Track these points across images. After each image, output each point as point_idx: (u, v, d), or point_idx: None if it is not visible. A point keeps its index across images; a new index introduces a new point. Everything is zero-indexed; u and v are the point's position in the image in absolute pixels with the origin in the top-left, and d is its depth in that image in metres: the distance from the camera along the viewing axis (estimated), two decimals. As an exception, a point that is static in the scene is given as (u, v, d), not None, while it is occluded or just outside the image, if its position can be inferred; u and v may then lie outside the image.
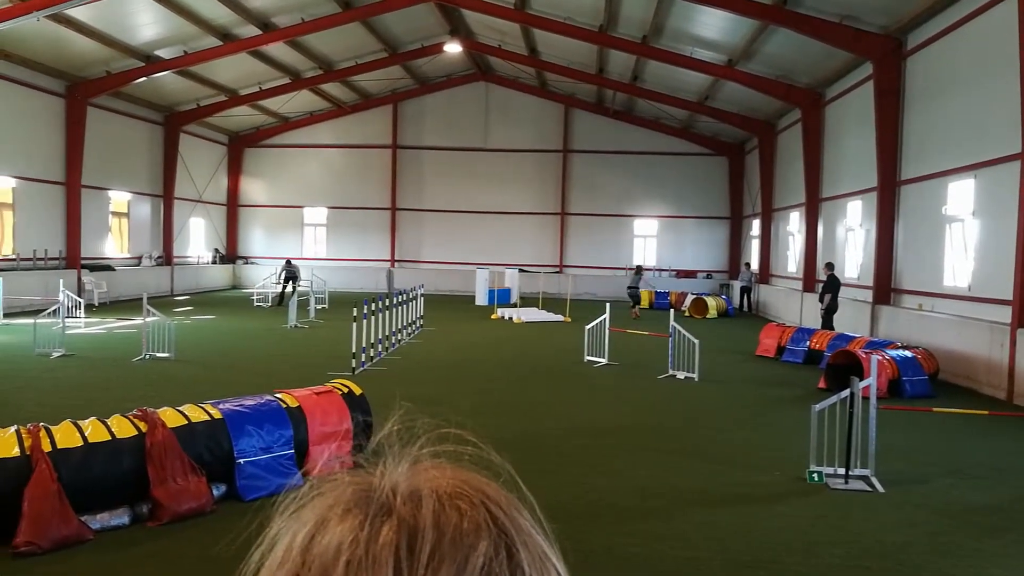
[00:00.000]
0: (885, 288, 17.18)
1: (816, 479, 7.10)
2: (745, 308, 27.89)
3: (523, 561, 0.57)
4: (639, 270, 25.53)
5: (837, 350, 12.59)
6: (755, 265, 28.87)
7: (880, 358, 10.74)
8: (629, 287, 24.86)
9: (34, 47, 20.67)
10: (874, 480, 7.02)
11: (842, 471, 7.10)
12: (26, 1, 17.59)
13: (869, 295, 17.62)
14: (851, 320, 17.79)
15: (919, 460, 8.14)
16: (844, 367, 11.23)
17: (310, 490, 0.62)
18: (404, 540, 0.54)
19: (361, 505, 0.58)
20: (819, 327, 16.86)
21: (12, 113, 21.45)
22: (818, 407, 7.15)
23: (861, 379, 7.31)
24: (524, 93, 33.25)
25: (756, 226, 29.64)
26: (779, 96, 22.77)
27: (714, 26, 20.21)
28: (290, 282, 25.02)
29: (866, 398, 7.17)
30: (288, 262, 26.05)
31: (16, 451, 5.28)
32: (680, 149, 32.94)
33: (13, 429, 5.50)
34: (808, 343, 15.12)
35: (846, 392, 7.06)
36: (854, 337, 14.51)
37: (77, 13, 19.24)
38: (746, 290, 28.05)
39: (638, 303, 24.66)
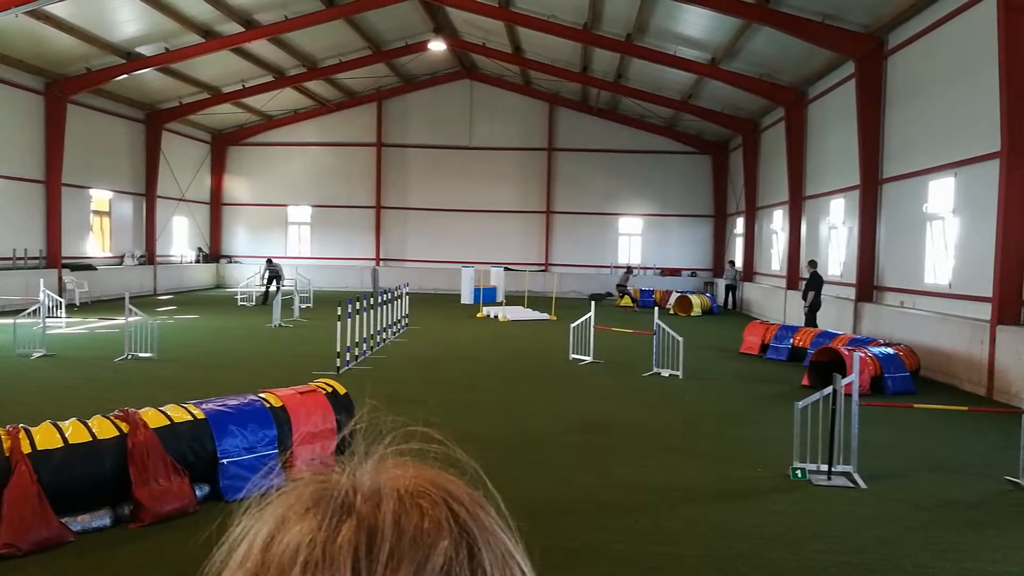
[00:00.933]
0: (868, 286, 17.32)
1: (799, 475, 7.15)
2: (730, 306, 28.03)
3: (485, 560, 0.56)
4: (629, 270, 25.88)
5: (820, 347, 12.67)
6: (739, 263, 29.02)
7: (863, 355, 10.81)
8: (618, 284, 25.44)
9: (12, 43, 20.42)
10: (856, 476, 7.08)
11: (825, 467, 7.15)
12: (4, -3, 17.38)
13: (852, 292, 17.76)
14: (834, 317, 17.93)
15: (901, 456, 8.21)
16: (827, 364, 11.31)
17: (275, 489, 0.62)
18: (363, 539, 0.54)
19: (321, 504, 0.57)
20: (803, 324, 16.97)
21: (-9, 111, 21.19)
22: (801, 404, 7.19)
23: (844, 376, 7.36)
24: (509, 91, 33.24)
25: (740, 224, 29.80)
26: (762, 94, 22.89)
27: (698, 24, 20.29)
28: (274, 281, 24.91)
29: (849, 395, 7.23)
30: (269, 261, 25.94)
31: (-5, 453, 5.22)
32: (664, 147, 33.05)
33: (-8, 430, 5.44)
34: (792, 340, 15.22)
35: (829, 389, 7.11)
36: (837, 334, 14.62)
37: (56, 9, 19.02)
38: (731, 288, 28.20)
39: (626, 296, 25.37)
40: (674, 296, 26.68)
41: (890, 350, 12.33)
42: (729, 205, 32.13)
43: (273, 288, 24.04)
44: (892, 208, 16.63)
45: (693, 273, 33.18)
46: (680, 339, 12.47)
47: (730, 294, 28.24)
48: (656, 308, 14.92)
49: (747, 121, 27.41)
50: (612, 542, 5.59)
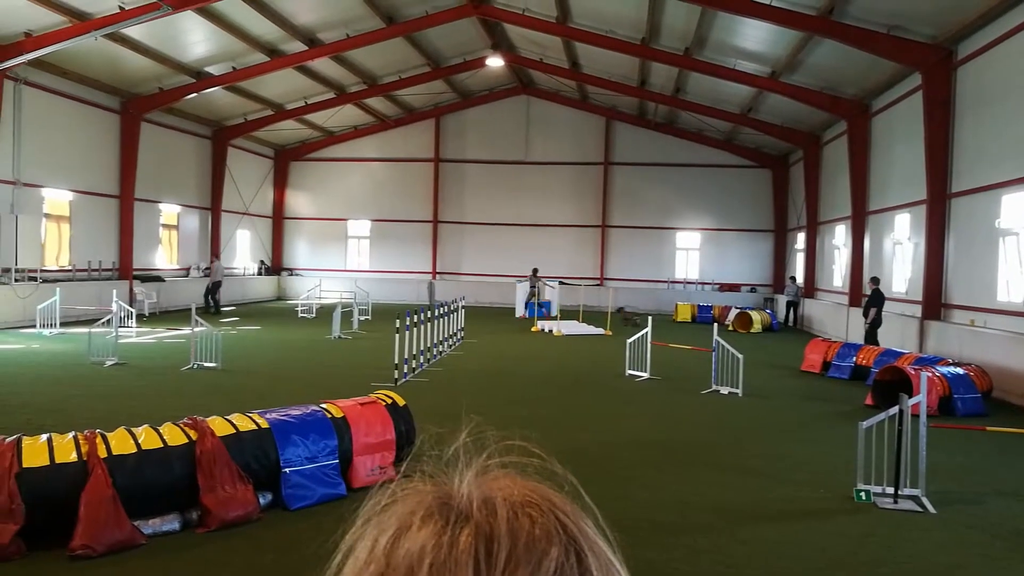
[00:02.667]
0: (935, 303, 16.79)
1: (864, 498, 6.96)
2: (790, 323, 27.48)
3: (591, 566, 0.60)
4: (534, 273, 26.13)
5: (885, 366, 12.33)
6: (800, 279, 28.45)
7: (930, 375, 10.50)
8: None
9: (92, 65, 21.39)
10: (924, 500, 6.86)
11: (891, 490, 6.95)
12: (84, 21, 18.24)
13: (917, 310, 17.24)
14: (898, 335, 17.42)
15: (972, 480, 7.93)
16: (892, 384, 11.00)
17: (389, 496, 0.66)
18: (482, 545, 0.58)
19: (441, 511, 0.61)
20: (863, 342, 16.54)
21: (70, 129, 22.19)
22: (866, 424, 7.02)
23: (910, 396, 7.16)
24: (565, 106, 33.34)
25: (801, 239, 29.23)
26: (824, 108, 22.48)
27: (757, 38, 20.06)
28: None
29: (916, 415, 7.02)
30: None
31: (73, 456, 5.45)
32: (723, 161, 32.68)
33: (71, 435, 5.68)
34: (855, 359, 14.83)
35: (895, 409, 6.92)
36: (902, 353, 14.20)
37: (132, 32, 19.87)
38: (792, 304, 27.64)
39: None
40: (733, 312, 26.30)
41: (960, 370, 11.93)
42: (789, 220, 31.55)
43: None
44: (961, 223, 16.11)
45: (752, 289, 32.64)
46: (740, 356, 12.28)
47: (791, 311, 27.68)
48: (715, 324, 14.73)
49: (808, 134, 26.94)
50: (671, 560, 5.53)
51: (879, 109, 21.10)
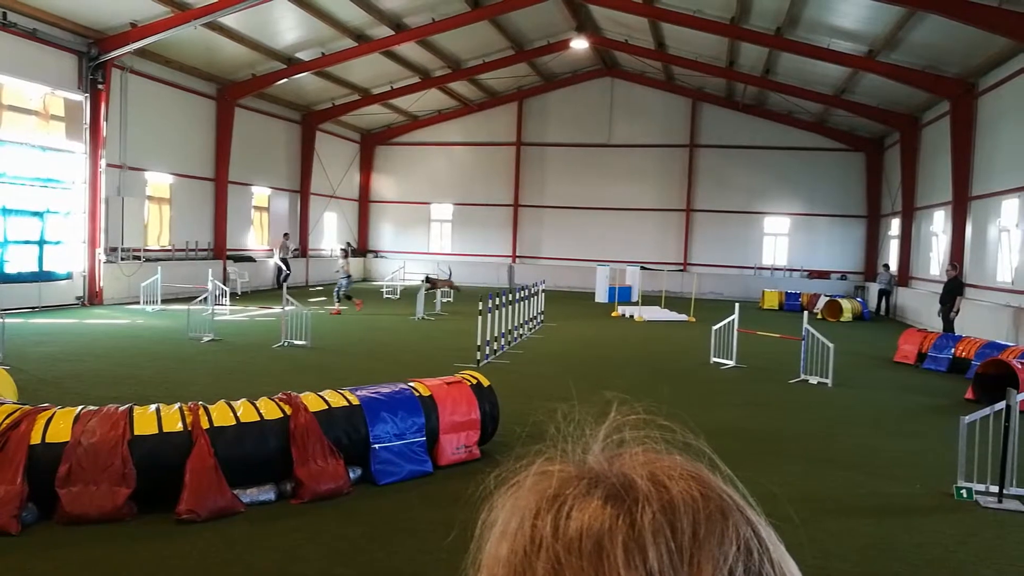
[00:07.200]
0: (1044, 294, 15.85)
1: (964, 496, 6.66)
2: (882, 312, 26.43)
3: (765, 538, 0.59)
4: (347, 248, 24.39)
5: (988, 359, 11.73)
6: (893, 267, 27.30)
7: (1038, 369, 9.95)
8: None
9: (190, 53, 22.26)
10: (1031, 500, 6.53)
11: (995, 489, 6.63)
12: (185, 11, 18.99)
13: (1022, 301, 16.32)
14: (995, 327, 16.53)
15: (1083, 481, 7.48)
16: (995, 378, 10.47)
17: (526, 473, 0.65)
18: (665, 519, 0.57)
19: (607, 488, 0.60)
20: (961, 334, 15.79)
21: (171, 115, 23.21)
22: (968, 419, 6.71)
23: (1018, 391, 6.80)
24: (650, 87, 32.78)
25: (895, 225, 28.01)
26: (925, 87, 21.39)
27: (854, 15, 19.22)
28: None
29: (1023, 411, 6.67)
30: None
31: (179, 426, 5.75)
32: (814, 144, 31.57)
33: (176, 406, 5.99)
34: (953, 350, 14.16)
35: (1001, 404, 6.58)
36: (1006, 346, 13.46)
37: (228, 20, 20.57)
38: (884, 293, 26.55)
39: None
40: (823, 300, 25.47)
41: (1071, 365, 11.24)
42: (884, 205, 30.25)
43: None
44: (1076, 210, 15.12)
45: (843, 276, 31.52)
46: (830, 345, 11.90)
47: (883, 299, 26.61)
48: (804, 312, 14.30)
49: (906, 116, 25.70)
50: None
51: (986, 88, 19.93)
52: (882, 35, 19.31)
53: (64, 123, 19.30)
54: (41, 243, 18.84)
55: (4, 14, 16.96)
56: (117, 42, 19.36)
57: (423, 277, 23.38)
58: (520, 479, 0.65)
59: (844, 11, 19.26)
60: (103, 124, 19.71)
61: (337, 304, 20.74)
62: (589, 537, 0.56)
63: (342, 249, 21.28)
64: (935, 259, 24.00)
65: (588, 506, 0.58)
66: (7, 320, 12.37)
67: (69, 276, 19.55)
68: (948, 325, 16.65)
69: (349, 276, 21.58)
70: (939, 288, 22.39)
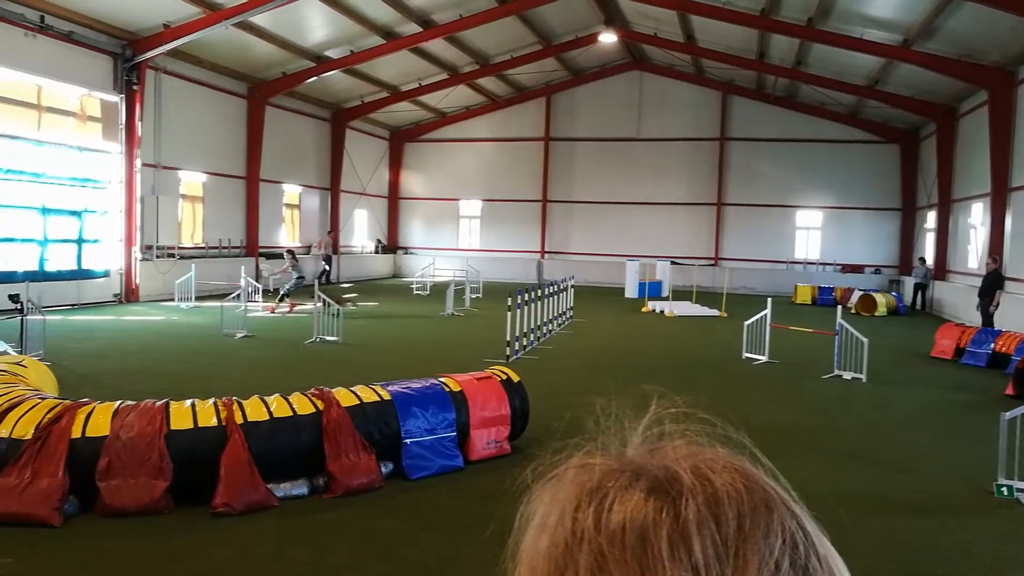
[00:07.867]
0: (1087, 287, 15.47)
1: (1005, 493, 6.53)
2: (918, 306, 25.97)
3: (810, 532, 0.58)
4: (291, 253, 20.66)
5: (1028, 354, 11.49)
6: (930, 260, 26.80)
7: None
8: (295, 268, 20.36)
9: (222, 52, 22.54)
10: (1075, 498, 6.38)
11: (1036, 486, 6.49)
12: (216, 11, 19.22)
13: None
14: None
15: None
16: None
17: (565, 466, 0.64)
18: (710, 512, 0.56)
19: (649, 481, 0.59)
20: (1000, 328, 15.47)
21: (203, 114, 23.52)
22: (1008, 415, 6.57)
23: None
24: (679, 81, 32.51)
25: (931, 218, 27.49)
26: (962, 77, 20.94)
27: (888, 4, 18.87)
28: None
29: (1067, 407, 6.52)
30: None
31: (214, 421, 5.84)
32: (847, 136, 31.07)
33: (211, 401, 6.07)
34: (993, 345, 13.87)
35: (1043, 400, 6.44)
36: (1049, 340, 13.17)
37: (258, 19, 20.79)
38: (920, 287, 26.08)
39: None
40: (856, 294, 25.09)
41: (1115, 360, 10.97)
42: (919, 198, 29.70)
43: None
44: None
45: (877, 270, 31.01)
46: (864, 340, 11.72)
47: (919, 294, 26.13)
48: (838, 307, 14.10)
49: (942, 106, 25.18)
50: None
51: (1026, 77, 19.48)
52: (917, 23, 18.94)
53: (100, 124, 19.66)
54: (80, 242, 19.23)
55: (42, 17, 17.31)
56: (151, 43, 19.66)
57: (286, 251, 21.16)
58: (559, 472, 0.64)
59: (877, 0, 18.92)
60: (138, 124, 20.04)
61: (276, 302, 19.44)
62: (632, 530, 0.55)
63: (288, 251, 20.40)
64: (973, 252, 23.51)
65: (631, 499, 0.57)
66: (48, 317, 12.65)
67: (106, 274, 19.93)
68: (987, 319, 16.35)
69: (302, 277, 20.30)
70: (977, 281, 21.98)
